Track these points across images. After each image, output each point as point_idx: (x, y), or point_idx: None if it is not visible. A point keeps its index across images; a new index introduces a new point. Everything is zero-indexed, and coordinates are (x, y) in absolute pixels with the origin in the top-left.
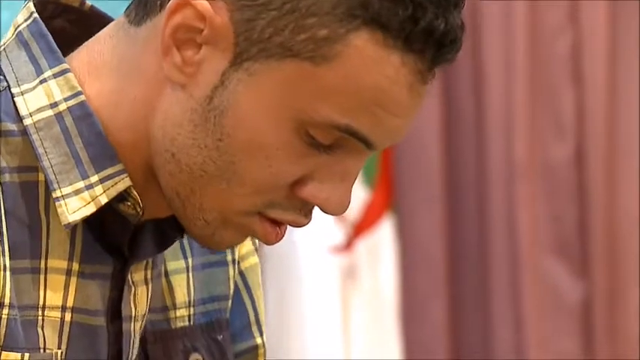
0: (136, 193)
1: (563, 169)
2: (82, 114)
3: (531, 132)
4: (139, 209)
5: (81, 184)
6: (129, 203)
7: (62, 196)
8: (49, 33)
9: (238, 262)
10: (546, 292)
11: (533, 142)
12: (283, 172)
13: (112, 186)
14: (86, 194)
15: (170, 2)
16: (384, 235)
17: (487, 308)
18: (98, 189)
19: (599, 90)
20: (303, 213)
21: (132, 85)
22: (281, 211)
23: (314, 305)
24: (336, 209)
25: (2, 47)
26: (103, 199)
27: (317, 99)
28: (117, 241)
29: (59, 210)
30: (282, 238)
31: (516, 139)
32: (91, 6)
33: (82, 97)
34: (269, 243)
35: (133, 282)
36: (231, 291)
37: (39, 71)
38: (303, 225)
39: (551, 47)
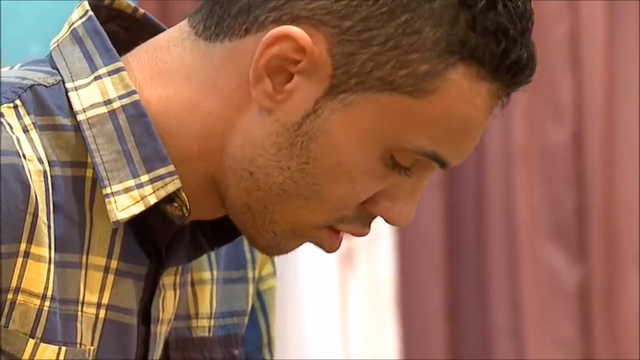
0: (184, 195)
1: (561, 154)
2: (136, 113)
3: (529, 116)
4: (185, 211)
5: (131, 183)
6: (176, 205)
7: (112, 193)
8: (103, 31)
9: (258, 282)
10: (544, 276)
11: (531, 126)
12: (363, 192)
13: (162, 187)
14: (136, 193)
15: (268, 34)
16: (382, 219)
17: (484, 292)
18: (148, 189)
19: (598, 74)
20: (367, 224)
21: (206, 99)
22: (349, 224)
23: (312, 290)
24: (403, 222)
25: (56, 43)
26: (152, 199)
27: (410, 130)
28: (156, 242)
29: (108, 207)
30: (340, 244)
31: (514, 124)
32: (144, 13)
33: (136, 97)
34: (332, 251)
35: (163, 285)
36: (249, 308)
37: (93, 68)
38: (366, 234)
39: (550, 32)
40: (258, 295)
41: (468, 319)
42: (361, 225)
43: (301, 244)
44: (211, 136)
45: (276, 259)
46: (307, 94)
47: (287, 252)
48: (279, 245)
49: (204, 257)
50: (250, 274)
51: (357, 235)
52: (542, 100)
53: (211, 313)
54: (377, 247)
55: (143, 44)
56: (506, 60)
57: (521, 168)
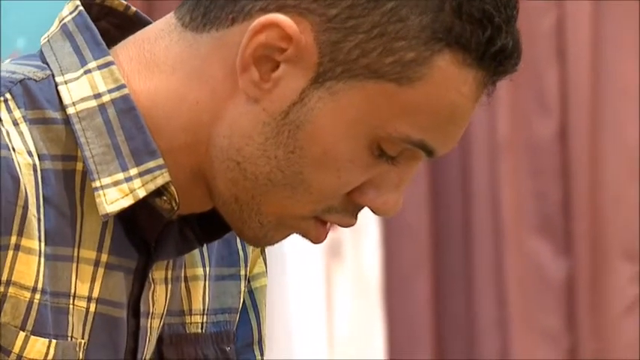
0: (173, 188)
1: (546, 146)
2: (126, 107)
3: (515, 109)
4: (174, 205)
5: (120, 176)
6: (165, 198)
7: (101, 186)
8: (94, 26)
9: (249, 280)
10: (529, 269)
11: (517, 119)
12: (350, 182)
13: (151, 180)
14: (125, 186)
15: (255, 22)
16: (368, 211)
17: (470, 285)
18: (137, 182)
19: (583, 67)
20: (354, 214)
21: (193, 90)
22: (336, 214)
23: (298, 281)
24: (389, 212)
25: (47, 38)
26: (141, 193)
27: (397, 117)
28: (145, 236)
29: (97, 200)
30: (327, 236)
31: (500, 116)
32: (136, 11)
33: (126, 91)
34: (318, 242)
35: (153, 279)
36: (241, 305)
37: (83, 62)
38: (352, 225)
39: (536, 25)
40: (250, 293)
41: (454, 311)
42: (348, 215)
43: (288, 235)
44: (198, 127)
45: None
46: (294, 83)
47: (274, 243)
48: (265, 236)
49: (197, 253)
50: (242, 272)
51: (344, 226)
52: (528, 93)
53: (204, 309)
54: (363, 239)
55: (131, 37)
56: (492, 47)
57: (506, 161)
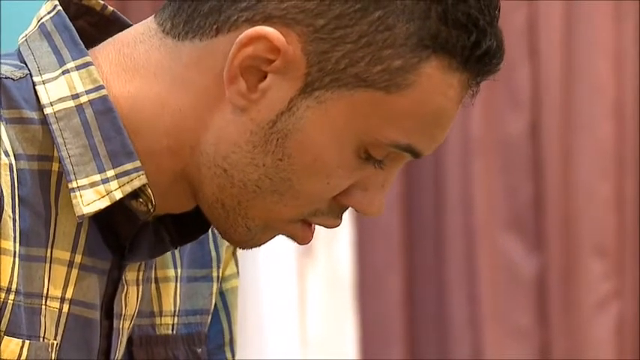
0: (150, 191)
1: (518, 144)
2: (104, 108)
3: (487, 107)
4: (150, 207)
5: (97, 177)
6: (141, 200)
7: (78, 187)
8: (72, 26)
9: (221, 282)
10: (501, 266)
11: (488, 116)
12: (338, 186)
13: (128, 182)
14: (101, 188)
15: (242, 35)
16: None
17: (442, 282)
18: (114, 184)
19: (555, 65)
20: (339, 216)
21: (175, 96)
22: (322, 217)
23: (270, 281)
24: (375, 212)
25: (24, 38)
26: (118, 194)
27: (385, 124)
28: (120, 237)
29: (74, 201)
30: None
31: (472, 114)
32: (113, 11)
33: (104, 92)
34: (305, 243)
35: (126, 281)
36: (212, 307)
37: (61, 62)
38: (338, 225)
39: (508, 22)
40: (221, 294)
41: (426, 309)
42: (333, 216)
43: (274, 237)
44: (181, 133)
45: None
46: (281, 93)
47: (260, 245)
48: (252, 239)
49: (169, 254)
50: (215, 273)
51: (330, 227)
52: (500, 91)
53: (175, 310)
54: (335, 238)
55: (110, 39)
56: (478, 51)
57: (478, 158)
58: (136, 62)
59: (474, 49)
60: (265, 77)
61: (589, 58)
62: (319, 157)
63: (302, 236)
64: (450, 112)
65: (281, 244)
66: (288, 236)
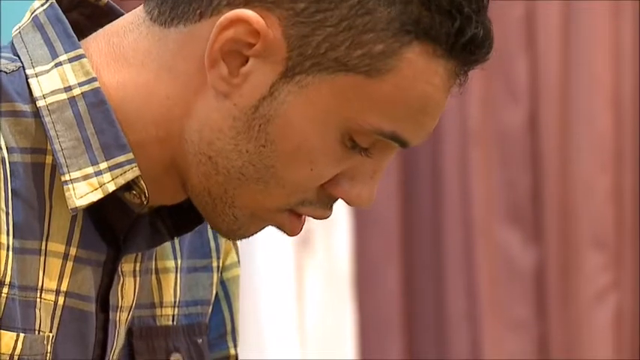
0: (143, 183)
1: (516, 136)
2: (96, 101)
3: (485, 98)
4: (144, 199)
5: (90, 170)
6: (135, 192)
7: (71, 180)
8: (65, 18)
9: (221, 271)
10: (499, 259)
11: (486, 108)
12: (323, 174)
13: (121, 174)
14: (94, 180)
15: (222, 18)
16: (338, 202)
17: (441, 274)
18: (107, 176)
19: (553, 56)
20: (328, 207)
21: (163, 84)
22: (310, 207)
23: (268, 272)
24: (364, 204)
25: (18, 30)
26: (111, 187)
27: (367, 109)
28: (115, 229)
29: (67, 194)
30: (302, 228)
31: (470, 106)
32: (107, 1)
33: (97, 84)
34: (293, 235)
35: (122, 272)
36: (213, 297)
37: (54, 54)
38: (327, 217)
39: (506, 13)
40: (222, 284)
41: (424, 301)
42: (322, 207)
43: (263, 228)
44: (169, 121)
45: None
46: (263, 77)
47: (249, 236)
48: (240, 229)
49: (168, 245)
50: (215, 264)
51: (319, 218)
52: (498, 82)
53: (175, 301)
54: (333, 230)
55: (100, 30)
56: (462, 38)
57: (476, 150)
58: (125, 52)
59: (459, 36)
60: (247, 62)
61: (587, 50)
62: (302, 143)
63: (290, 227)
64: (436, 100)
65: (278, 235)
66: (276, 227)
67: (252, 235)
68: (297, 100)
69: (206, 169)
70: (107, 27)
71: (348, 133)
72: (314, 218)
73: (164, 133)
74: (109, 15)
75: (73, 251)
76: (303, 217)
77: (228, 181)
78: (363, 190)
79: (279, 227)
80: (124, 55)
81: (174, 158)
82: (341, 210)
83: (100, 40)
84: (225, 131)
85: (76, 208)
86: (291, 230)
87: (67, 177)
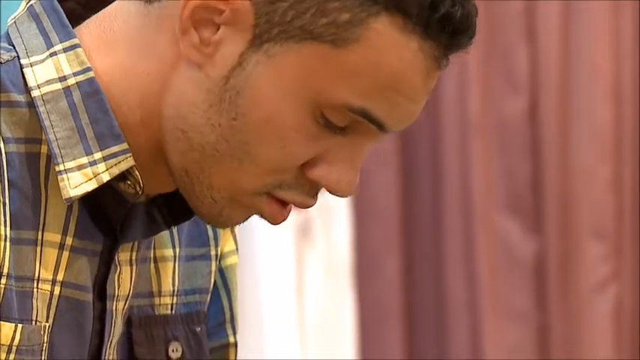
0: (137, 173)
1: (516, 125)
2: (91, 90)
3: (485, 88)
4: (138, 189)
5: (84, 160)
6: (129, 182)
7: (65, 170)
8: (60, 8)
9: (220, 259)
10: (499, 248)
11: (486, 97)
12: (296, 153)
13: (115, 164)
14: (89, 170)
15: None
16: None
17: (441, 264)
18: (101, 166)
19: (553, 46)
20: (310, 194)
21: (144, 61)
22: (290, 191)
23: (268, 262)
24: (344, 191)
25: (13, 20)
26: (105, 177)
27: (334, 81)
28: (111, 219)
29: (61, 184)
30: (287, 218)
31: (470, 95)
32: None
33: (91, 74)
34: (275, 223)
35: (119, 262)
36: (211, 285)
37: (49, 44)
38: (310, 206)
39: (506, 3)
40: (220, 271)
41: (424, 290)
42: (302, 193)
43: (246, 216)
44: (150, 100)
45: None
46: (233, 46)
47: (232, 224)
48: (221, 215)
49: (167, 234)
50: (213, 252)
51: (300, 206)
52: (498, 72)
53: (174, 290)
54: (333, 220)
55: (93, 16)
56: (435, 14)
57: (476, 139)
58: (116, 34)
59: (432, 12)
60: (218, 30)
61: (587, 40)
62: (272, 116)
63: (270, 212)
64: (409, 79)
65: (279, 225)
66: (257, 213)
67: (235, 224)
68: (265, 70)
69: (182, 146)
70: (101, 12)
71: (318, 107)
72: (295, 205)
73: (146, 115)
74: (105, 2)
75: (69, 241)
76: (289, 206)
77: (203, 158)
78: (343, 176)
79: (259, 213)
80: (114, 38)
81: (157, 142)
82: (340, 199)
83: (91, 25)
84: (199, 104)
85: (71, 198)
86: (272, 216)
87: (61, 167)
